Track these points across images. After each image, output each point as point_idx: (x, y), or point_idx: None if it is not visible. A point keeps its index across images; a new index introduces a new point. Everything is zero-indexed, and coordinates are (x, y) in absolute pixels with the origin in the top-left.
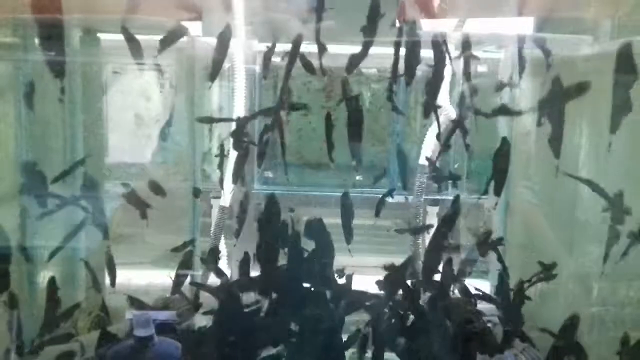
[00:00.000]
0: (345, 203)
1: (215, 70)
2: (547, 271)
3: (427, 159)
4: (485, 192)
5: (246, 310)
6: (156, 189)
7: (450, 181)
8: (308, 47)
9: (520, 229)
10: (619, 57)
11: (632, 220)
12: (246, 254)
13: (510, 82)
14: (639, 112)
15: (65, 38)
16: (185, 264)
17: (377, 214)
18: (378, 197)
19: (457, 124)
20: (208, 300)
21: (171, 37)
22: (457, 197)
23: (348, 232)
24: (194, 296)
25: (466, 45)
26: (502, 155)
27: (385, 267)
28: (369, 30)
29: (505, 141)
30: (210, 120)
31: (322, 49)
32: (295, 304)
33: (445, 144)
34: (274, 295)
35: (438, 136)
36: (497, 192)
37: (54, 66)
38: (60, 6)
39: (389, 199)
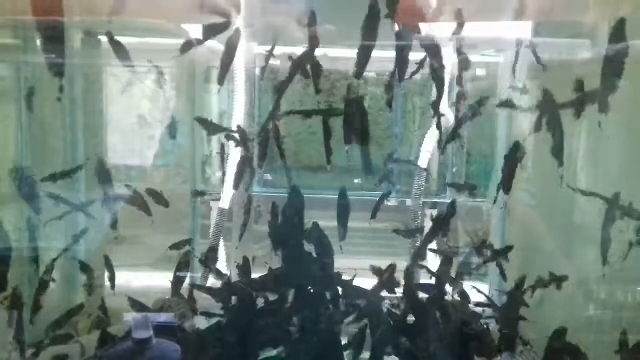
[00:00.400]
0: (341, 201)
1: (223, 73)
2: (558, 282)
3: (415, 164)
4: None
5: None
6: (157, 198)
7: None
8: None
9: (518, 232)
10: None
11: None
12: (245, 258)
13: (523, 88)
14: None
15: (67, 40)
16: (183, 266)
17: (373, 216)
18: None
19: (458, 127)
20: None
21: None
22: (453, 202)
23: (343, 229)
24: (189, 298)
25: (460, 51)
26: (513, 157)
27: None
28: (369, 33)
29: (517, 144)
30: (210, 126)
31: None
32: (303, 305)
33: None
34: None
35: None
36: (507, 191)
37: (53, 65)
38: (61, 8)
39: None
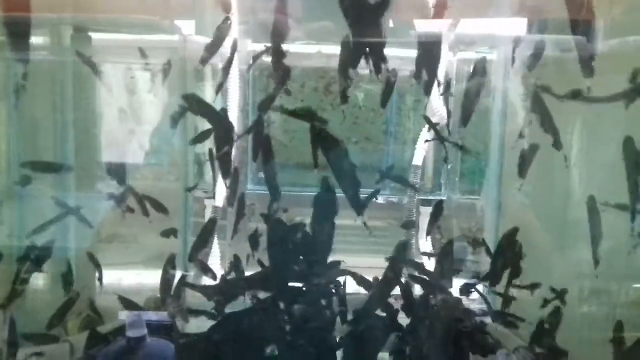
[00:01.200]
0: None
1: (220, 85)
2: (560, 297)
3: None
4: None
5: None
6: (155, 205)
7: None
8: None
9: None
10: None
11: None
12: (236, 256)
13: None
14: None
15: (57, 36)
16: (170, 264)
17: (360, 213)
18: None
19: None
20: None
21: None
22: (439, 203)
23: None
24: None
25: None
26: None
27: None
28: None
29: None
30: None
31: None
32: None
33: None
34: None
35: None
36: (522, 175)
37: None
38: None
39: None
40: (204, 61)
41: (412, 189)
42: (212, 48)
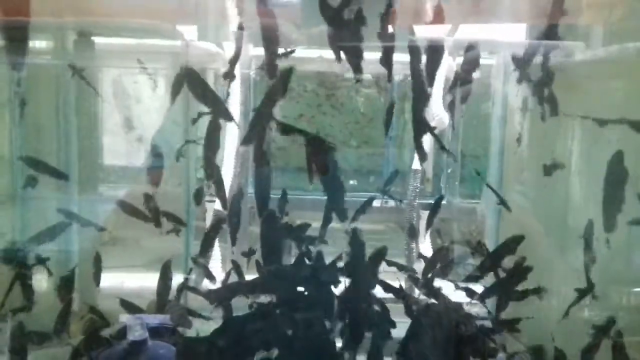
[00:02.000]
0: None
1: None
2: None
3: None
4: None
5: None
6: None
7: None
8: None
9: (512, 234)
10: None
11: None
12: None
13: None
14: None
15: (61, 41)
16: (167, 270)
17: (354, 220)
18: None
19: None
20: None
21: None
22: (438, 200)
23: (323, 232)
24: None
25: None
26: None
27: None
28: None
29: None
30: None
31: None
32: None
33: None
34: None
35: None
36: (547, 173)
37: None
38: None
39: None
40: (228, 76)
41: (410, 208)
42: (234, 59)
